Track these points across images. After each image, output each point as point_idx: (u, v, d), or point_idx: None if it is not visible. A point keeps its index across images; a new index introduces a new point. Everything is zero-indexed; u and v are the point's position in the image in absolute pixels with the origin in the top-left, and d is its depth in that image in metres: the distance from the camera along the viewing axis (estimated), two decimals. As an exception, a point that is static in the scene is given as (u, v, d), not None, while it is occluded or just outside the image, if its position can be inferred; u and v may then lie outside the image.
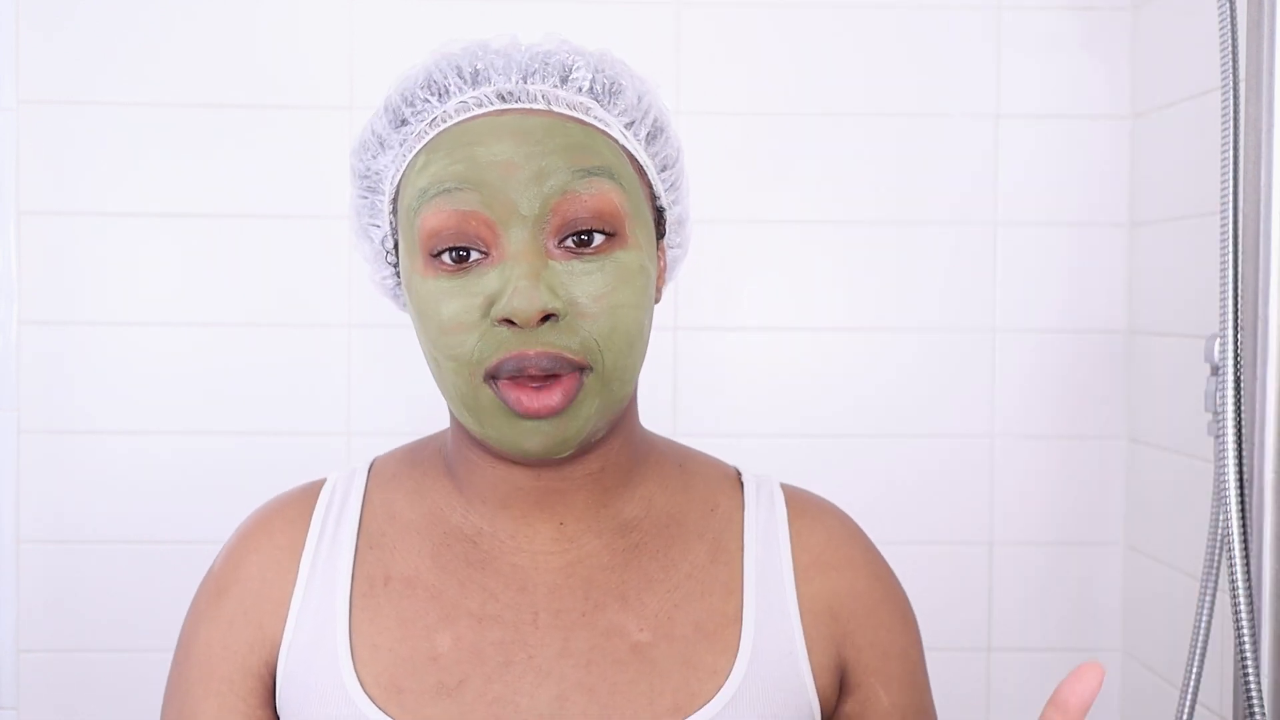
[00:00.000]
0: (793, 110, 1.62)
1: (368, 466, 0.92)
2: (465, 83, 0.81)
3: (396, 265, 0.86)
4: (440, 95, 0.81)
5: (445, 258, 0.77)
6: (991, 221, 1.63)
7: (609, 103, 0.81)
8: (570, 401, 0.76)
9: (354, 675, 0.80)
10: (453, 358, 0.77)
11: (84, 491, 1.59)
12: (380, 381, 1.61)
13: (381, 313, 1.60)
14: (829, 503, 0.94)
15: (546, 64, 0.81)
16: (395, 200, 0.83)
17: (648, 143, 0.84)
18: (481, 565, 0.84)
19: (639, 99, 0.83)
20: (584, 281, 0.76)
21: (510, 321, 0.75)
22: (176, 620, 1.60)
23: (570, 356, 0.76)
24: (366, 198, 0.85)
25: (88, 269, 1.59)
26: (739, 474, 0.92)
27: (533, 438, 0.77)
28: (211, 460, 1.60)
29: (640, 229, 0.80)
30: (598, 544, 0.85)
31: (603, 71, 0.82)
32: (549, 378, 0.75)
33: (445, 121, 0.80)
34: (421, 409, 1.60)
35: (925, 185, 1.62)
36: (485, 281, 0.76)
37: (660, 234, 0.86)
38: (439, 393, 0.83)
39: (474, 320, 0.76)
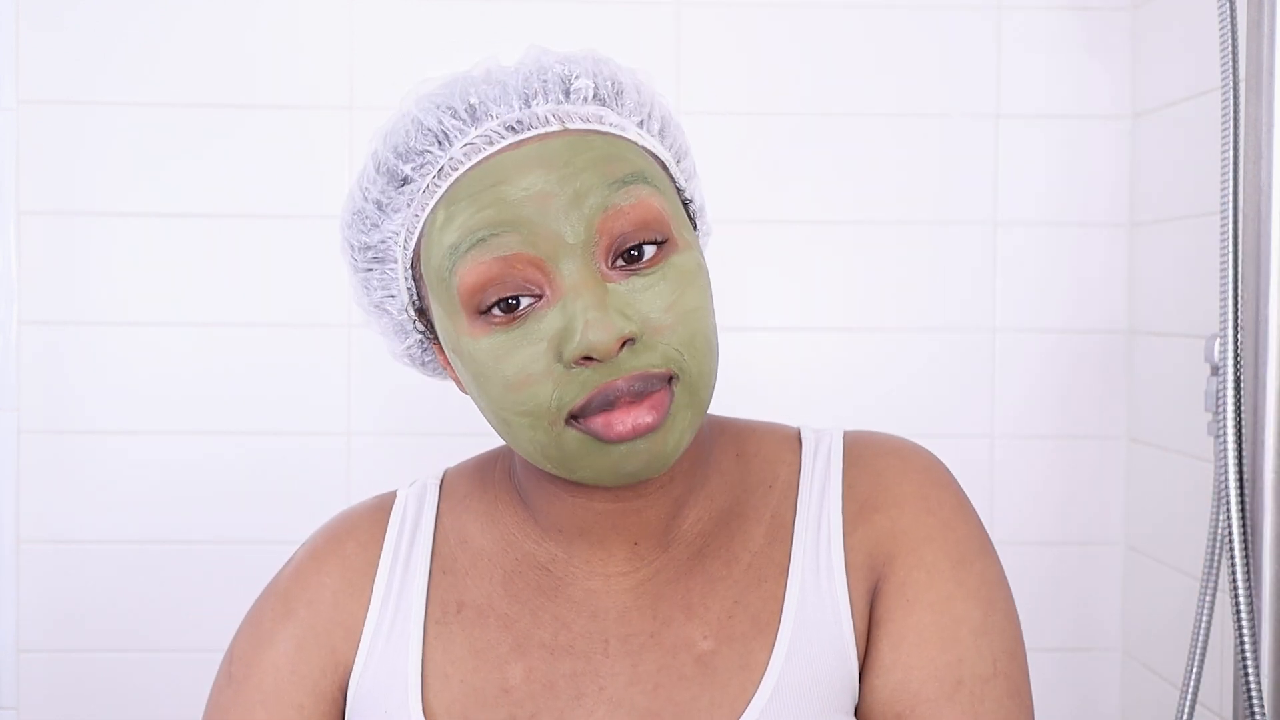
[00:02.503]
0: (793, 110, 1.62)
1: (439, 482, 0.89)
2: (464, 122, 0.75)
3: (424, 333, 0.82)
4: (440, 142, 0.75)
5: (495, 311, 0.72)
6: (991, 221, 1.63)
7: (618, 105, 0.77)
8: (664, 415, 0.72)
9: (420, 706, 0.78)
10: (526, 413, 0.72)
11: (84, 491, 1.59)
12: (380, 381, 1.61)
13: (381, 313, 1.60)
14: (895, 439, 0.86)
15: (545, 81, 0.75)
16: (414, 265, 0.78)
17: (661, 137, 0.80)
18: (554, 593, 0.81)
19: (638, 92, 0.78)
20: (649, 296, 0.72)
21: (588, 358, 0.70)
22: (176, 620, 1.61)
23: (656, 372, 0.71)
24: (373, 269, 0.80)
25: (88, 269, 1.59)
26: (799, 435, 0.87)
27: (630, 461, 0.72)
28: (211, 460, 1.60)
29: (683, 227, 0.77)
30: (666, 558, 0.82)
31: (601, 74, 0.77)
32: (639, 397, 0.71)
33: (456, 169, 0.74)
34: (421, 409, 1.60)
35: (925, 185, 1.62)
36: (545, 325, 0.72)
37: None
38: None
39: (544, 368, 0.71)
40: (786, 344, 1.64)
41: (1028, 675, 0.78)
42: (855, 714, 0.78)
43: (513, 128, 0.74)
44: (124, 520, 1.60)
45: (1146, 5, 1.58)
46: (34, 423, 1.59)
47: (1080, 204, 1.63)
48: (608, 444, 0.72)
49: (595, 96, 0.76)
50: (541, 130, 0.74)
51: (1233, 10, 1.12)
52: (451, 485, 0.88)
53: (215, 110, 1.59)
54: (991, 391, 1.63)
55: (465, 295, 0.72)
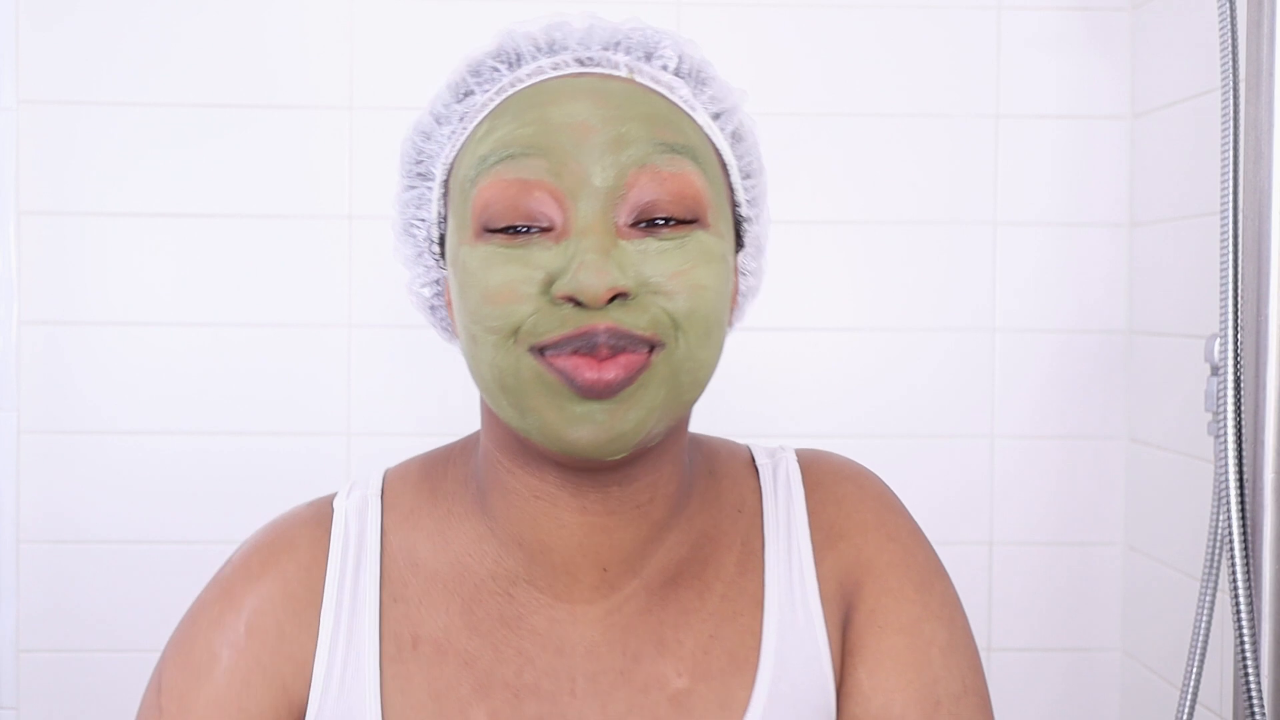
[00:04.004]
0: (792, 110, 1.61)
1: (379, 490, 0.81)
2: (540, 51, 0.73)
3: (439, 265, 0.77)
4: (511, 64, 0.73)
5: (501, 235, 0.69)
6: (991, 221, 1.63)
7: (696, 88, 0.74)
8: (631, 381, 0.66)
9: None
10: (494, 329, 0.67)
11: (84, 491, 1.59)
12: (380, 381, 1.61)
13: (381, 312, 1.60)
14: (848, 464, 0.84)
15: (630, 37, 0.74)
16: (448, 181, 0.74)
17: (733, 141, 0.76)
18: (516, 623, 0.75)
19: (722, 89, 0.76)
20: (658, 260, 0.68)
21: (574, 300, 0.66)
22: (176, 620, 1.60)
23: (639, 334, 0.66)
24: (415, 187, 0.76)
25: (88, 269, 1.59)
26: (752, 456, 0.84)
27: (581, 427, 0.67)
28: (211, 460, 1.60)
29: (722, 222, 0.72)
30: (637, 585, 0.76)
31: (690, 56, 0.74)
32: (615, 352, 0.66)
33: (515, 87, 0.72)
34: (421, 409, 1.60)
35: (925, 185, 1.62)
36: (546, 256, 0.67)
37: (738, 246, 0.77)
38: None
39: (529, 293, 0.67)
40: (783, 345, 1.64)
41: (988, 689, 0.80)
42: None
43: (582, 61, 0.72)
44: (124, 520, 1.60)
45: (1146, 5, 1.58)
46: (34, 422, 1.59)
47: (1080, 204, 1.63)
48: (566, 393, 0.67)
49: (675, 70, 0.74)
50: (609, 71, 0.72)
51: (1233, 10, 1.12)
52: (395, 496, 0.80)
53: (215, 110, 1.59)
54: (992, 392, 1.63)
55: (478, 209, 0.69)
